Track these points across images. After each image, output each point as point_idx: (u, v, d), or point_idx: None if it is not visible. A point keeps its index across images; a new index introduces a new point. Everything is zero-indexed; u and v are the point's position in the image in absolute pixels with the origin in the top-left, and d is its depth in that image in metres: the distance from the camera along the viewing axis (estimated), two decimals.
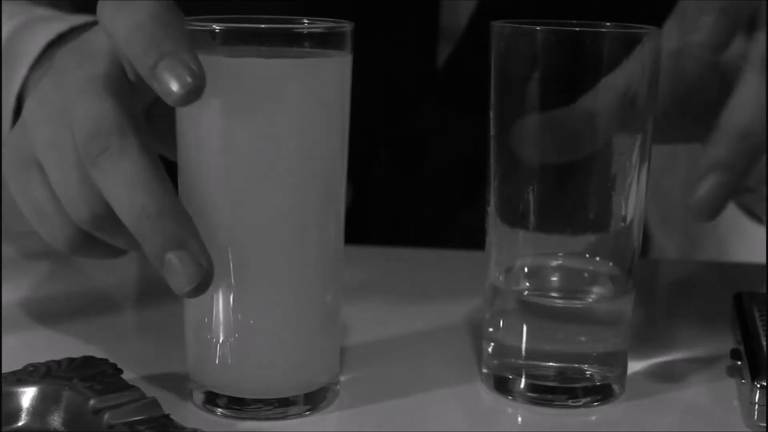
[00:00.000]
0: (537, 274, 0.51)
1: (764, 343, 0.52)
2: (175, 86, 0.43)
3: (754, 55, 0.49)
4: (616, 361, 0.51)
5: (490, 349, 0.52)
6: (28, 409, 0.45)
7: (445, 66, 0.76)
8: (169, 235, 0.44)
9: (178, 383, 0.51)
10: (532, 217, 0.49)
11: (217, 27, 0.46)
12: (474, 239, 0.56)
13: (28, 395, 0.45)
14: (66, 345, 0.55)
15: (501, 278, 0.51)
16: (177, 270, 0.43)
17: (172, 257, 0.43)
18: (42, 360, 0.47)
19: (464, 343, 0.56)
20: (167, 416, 0.43)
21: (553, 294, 0.51)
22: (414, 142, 0.78)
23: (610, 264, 0.50)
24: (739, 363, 0.52)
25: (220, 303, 0.47)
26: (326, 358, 0.50)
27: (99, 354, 0.48)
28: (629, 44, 0.47)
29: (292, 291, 0.47)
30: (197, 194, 0.47)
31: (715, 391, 0.52)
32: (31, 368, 0.46)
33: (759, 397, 0.48)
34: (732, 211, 0.81)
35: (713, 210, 0.47)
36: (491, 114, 0.50)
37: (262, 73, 0.46)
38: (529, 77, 0.47)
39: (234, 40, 0.46)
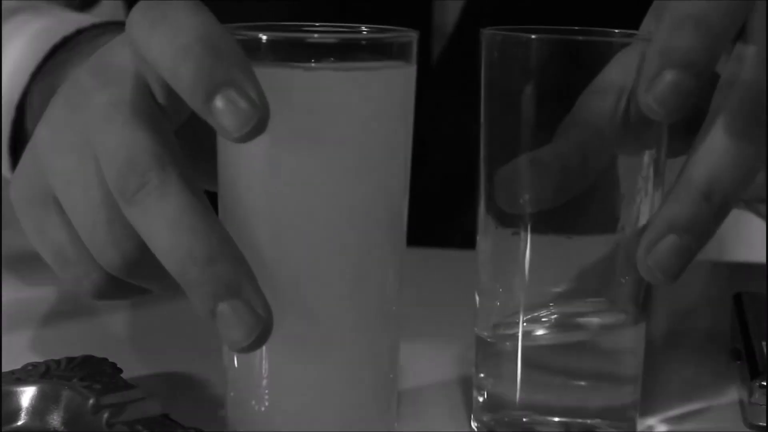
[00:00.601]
0: (534, 309, 0.45)
1: (764, 343, 0.52)
2: (234, 123, 0.37)
3: (736, 85, 0.42)
4: (623, 414, 0.46)
5: (481, 400, 0.46)
6: (27, 408, 0.44)
7: (437, 65, 0.76)
8: (221, 283, 0.38)
9: (177, 382, 0.51)
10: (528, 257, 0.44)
11: (264, 37, 0.40)
12: (474, 240, 0.56)
13: (27, 395, 0.45)
14: (66, 345, 0.55)
15: (491, 324, 0.46)
16: (231, 323, 0.38)
17: (224, 308, 0.38)
18: (41, 359, 0.47)
19: (466, 349, 0.56)
20: (167, 416, 0.43)
21: (552, 328, 0.45)
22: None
23: (618, 295, 0.45)
24: (739, 363, 0.52)
25: (272, 349, 0.42)
26: (385, 402, 0.45)
27: (99, 354, 0.48)
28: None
29: (352, 334, 0.43)
30: (242, 223, 0.41)
31: (715, 391, 0.52)
32: (30, 367, 0.46)
33: (759, 397, 0.48)
34: (732, 212, 0.81)
35: (671, 275, 0.41)
36: (482, 131, 0.45)
37: (319, 84, 0.40)
38: (523, 89, 0.43)
39: (283, 51, 0.41)
